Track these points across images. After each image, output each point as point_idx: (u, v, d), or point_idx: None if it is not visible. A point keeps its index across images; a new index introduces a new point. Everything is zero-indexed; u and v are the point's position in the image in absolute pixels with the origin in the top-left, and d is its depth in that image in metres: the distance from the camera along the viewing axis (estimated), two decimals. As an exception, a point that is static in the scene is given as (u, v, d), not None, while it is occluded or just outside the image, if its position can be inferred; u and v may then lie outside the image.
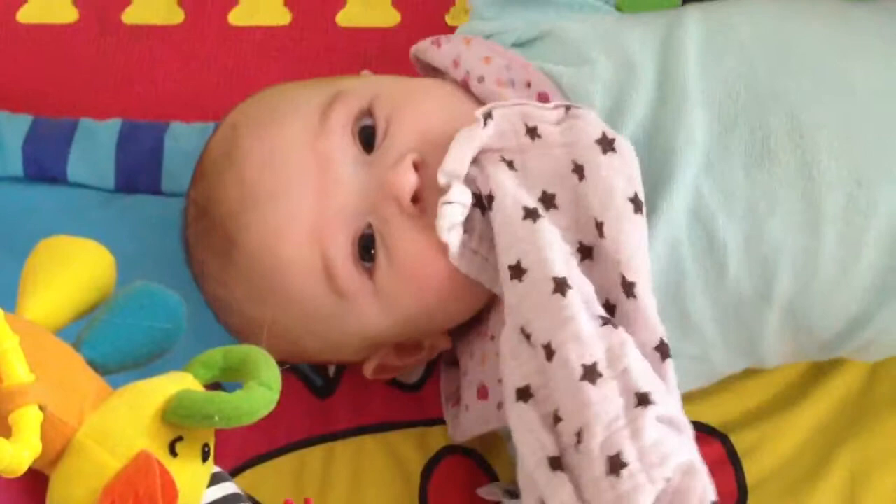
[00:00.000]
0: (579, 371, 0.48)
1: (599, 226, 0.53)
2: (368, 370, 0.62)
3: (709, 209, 0.56)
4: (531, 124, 0.54)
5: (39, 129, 0.73)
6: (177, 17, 0.79)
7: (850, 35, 0.59)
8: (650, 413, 0.48)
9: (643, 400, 0.48)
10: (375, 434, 0.66)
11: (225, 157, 0.60)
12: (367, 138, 0.58)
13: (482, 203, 0.54)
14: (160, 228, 0.70)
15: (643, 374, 0.49)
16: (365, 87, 0.59)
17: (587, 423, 0.48)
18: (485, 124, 0.54)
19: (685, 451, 0.48)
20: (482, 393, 0.58)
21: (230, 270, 0.59)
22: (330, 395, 0.67)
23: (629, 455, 0.47)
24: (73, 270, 0.50)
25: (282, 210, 0.57)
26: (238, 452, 0.65)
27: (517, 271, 0.52)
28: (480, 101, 0.60)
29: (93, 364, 0.48)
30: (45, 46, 0.78)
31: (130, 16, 0.79)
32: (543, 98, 0.59)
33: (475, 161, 0.54)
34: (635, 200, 0.53)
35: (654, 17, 0.62)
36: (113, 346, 0.49)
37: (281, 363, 0.65)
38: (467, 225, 0.55)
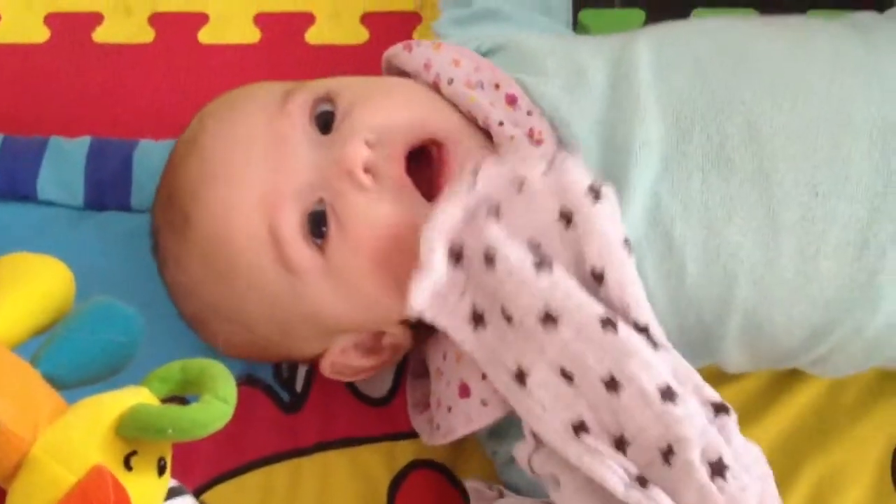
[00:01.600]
0: (657, 395, 0.51)
1: (598, 274, 0.53)
2: (326, 366, 0.62)
3: (667, 214, 0.56)
4: (519, 178, 0.55)
5: (9, 148, 0.73)
6: (147, 35, 0.79)
7: (807, 47, 0.60)
8: (732, 418, 0.51)
9: (720, 408, 0.51)
10: (342, 449, 0.67)
11: (189, 143, 0.61)
12: (324, 123, 0.59)
13: (455, 255, 0.55)
14: (129, 245, 0.70)
15: (707, 386, 0.52)
16: (328, 80, 0.61)
17: (679, 438, 0.50)
18: (474, 182, 0.54)
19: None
20: (464, 391, 0.58)
21: (186, 249, 0.60)
22: (297, 410, 0.68)
23: (728, 458, 0.50)
24: (30, 287, 0.50)
25: (234, 185, 0.58)
26: (204, 469, 0.65)
27: (548, 320, 0.52)
28: (450, 102, 0.61)
29: (50, 379, 0.48)
30: (16, 65, 0.79)
31: (101, 34, 0.80)
32: (511, 99, 0.59)
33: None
34: (626, 242, 0.54)
35: (609, 36, 0.64)
36: (70, 360, 0.49)
37: (245, 379, 0.66)
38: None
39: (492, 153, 0.58)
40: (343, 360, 0.62)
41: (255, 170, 0.57)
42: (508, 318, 0.54)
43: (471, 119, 0.60)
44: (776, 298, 0.57)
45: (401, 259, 0.56)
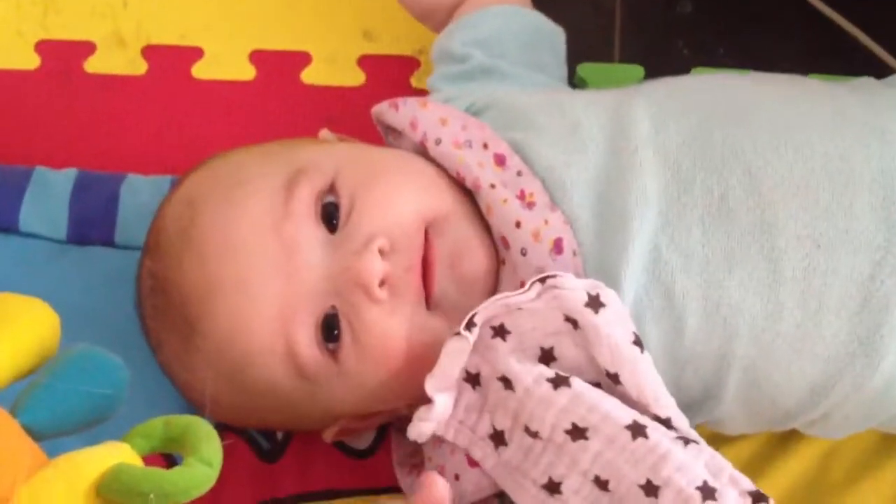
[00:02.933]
0: (698, 495, 0.50)
1: (613, 375, 0.53)
2: (328, 436, 0.62)
3: (667, 268, 0.56)
4: (514, 307, 0.54)
5: (-7, 177, 0.72)
6: (140, 67, 0.78)
7: (807, 101, 0.60)
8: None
9: (758, 497, 0.51)
10: (321, 502, 0.65)
11: (182, 235, 0.59)
12: (329, 216, 0.57)
13: (472, 379, 0.55)
14: (112, 281, 0.69)
15: (741, 475, 0.52)
16: (327, 161, 0.59)
17: None
18: (470, 332, 0.53)
19: None
20: (472, 461, 0.57)
21: (192, 354, 0.59)
22: (277, 459, 0.66)
23: None
24: (14, 331, 0.49)
25: (247, 296, 0.56)
26: (178, 518, 0.63)
27: (577, 433, 0.52)
28: (438, 165, 0.60)
29: (29, 430, 0.47)
30: (3, 92, 0.77)
31: (93, 65, 0.78)
32: (500, 159, 0.59)
33: None
34: (637, 342, 0.53)
35: (604, 90, 0.64)
36: (51, 411, 0.48)
37: (227, 427, 0.65)
38: (454, 398, 0.55)
39: (479, 223, 0.58)
40: (343, 426, 0.61)
41: (267, 281, 0.56)
42: (534, 435, 0.53)
43: (458, 180, 0.59)
44: (776, 353, 0.56)
45: (414, 365, 0.55)
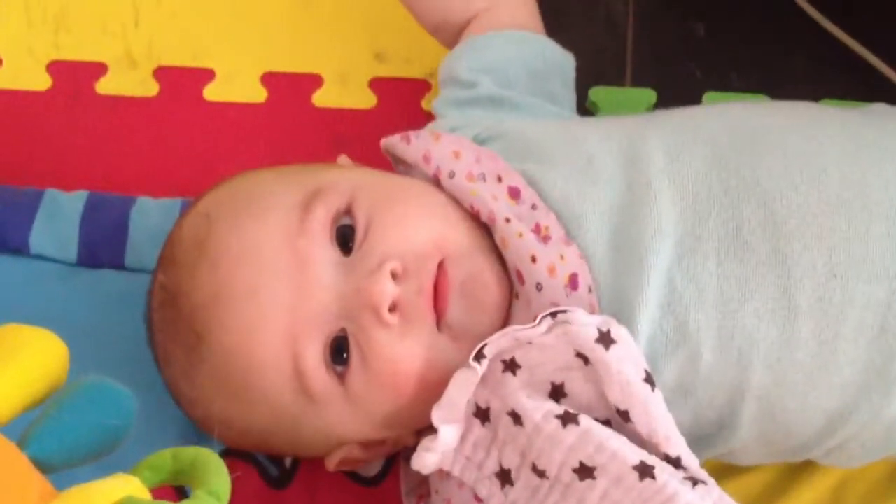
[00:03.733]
0: None
1: (623, 412, 0.53)
2: (332, 464, 0.61)
3: (682, 300, 0.55)
4: (524, 341, 0.54)
5: (3, 198, 0.72)
6: (151, 89, 0.78)
7: (820, 129, 0.59)
8: None
9: None
10: (329, 529, 0.65)
11: (197, 247, 0.59)
12: (344, 239, 0.57)
13: (482, 414, 0.54)
14: (121, 304, 0.69)
15: None
16: (344, 184, 0.59)
17: None
18: (479, 364, 0.53)
19: None
20: (479, 497, 0.57)
21: (197, 366, 0.58)
22: (285, 486, 0.66)
23: None
24: (22, 362, 0.48)
25: (256, 310, 0.56)
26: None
27: (584, 472, 0.52)
28: (452, 198, 0.59)
29: (38, 463, 0.46)
30: (15, 113, 0.77)
31: (104, 86, 0.78)
32: (514, 192, 0.58)
33: None
34: (649, 380, 0.53)
35: (615, 118, 0.63)
36: (60, 443, 0.47)
37: (236, 453, 0.65)
38: (462, 433, 0.55)
39: (494, 256, 0.57)
40: (348, 455, 0.61)
41: (278, 296, 0.55)
42: (541, 473, 0.53)
43: (473, 214, 0.59)
44: (791, 383, 0.56)
45: (423, 391, 0.55)
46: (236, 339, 0.56)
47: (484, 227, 0.59)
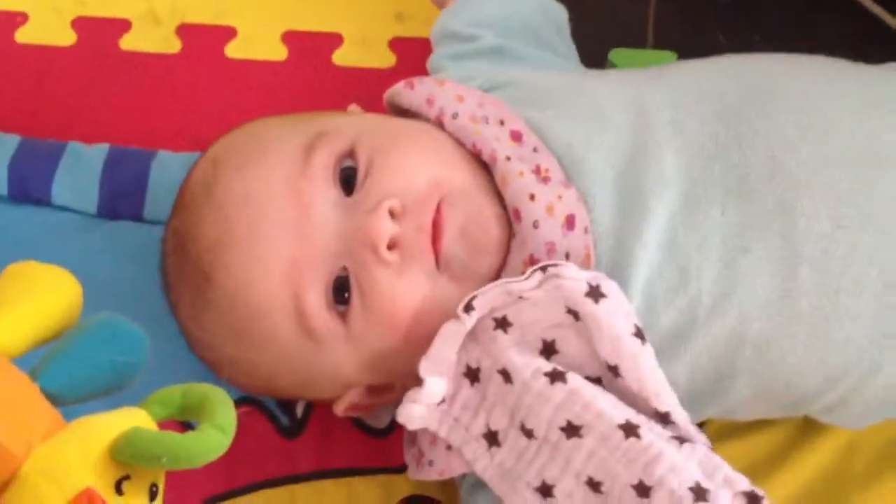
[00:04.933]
0: (690, 496, 0.50)
1: (613, 368, 0.53)
2: (339, 409, 0.62)
3: (683, 246, 0.55)
4: (515, 295, 0.54)
5: (27, 150, 0.73)
6: (174, 46, 0.79)
7: (834, 83, 0.59)
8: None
9: (753, 498, 0.50)
10: (339, 479, 0.66)
11: (204, 191, 0.59)
12: (347, 180, 0.57)
13: (472, 374, 0.55)
14: (140, 255, 0.69)
15: (737, 475, 0.51)
16: (348, 128, 0.59)
17: None
18: (468, 315, 0.53)
19: None
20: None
21: (204, 307, 0.59)
22: (296, 436, 0.67)
23: None
24: (37, 297, 0.49)
25: (258, 250, 0.57)
26: (197, 490, 0.64)
27: (571, 430, 0.52)
28: (455, 138, 0.60)
29: (49, 395, 0.48)
30: (40, 67, 0.78)
31: (128, 42, 0.79)
32: (516, 136, 0.59)
33: (470, 332, 0.54)
34: (639, 334, 0.53)
35: (624, 71, 0.63)
36: (71, 378, 0.48)
37: (246, 401, 0.66)
38: (451, 393, 0.55)
39: (494, 196, 0.57)
40: (355, 401, 0.61)
41: (280, 236, 0.56)
42: (529, 433, 0.53)
43: (475, 153, 0.59)
44: (792, 335, 0.55)
45: (423, 330, 0.55)
46: (240, 281, 0.57)
47: (485, 168, 0.59)
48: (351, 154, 0.58)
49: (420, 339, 0.55)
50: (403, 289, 0.56)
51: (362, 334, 0.57)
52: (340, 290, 0.56)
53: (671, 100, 0.58)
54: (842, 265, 0.55)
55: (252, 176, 0.58)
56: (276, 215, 0.56)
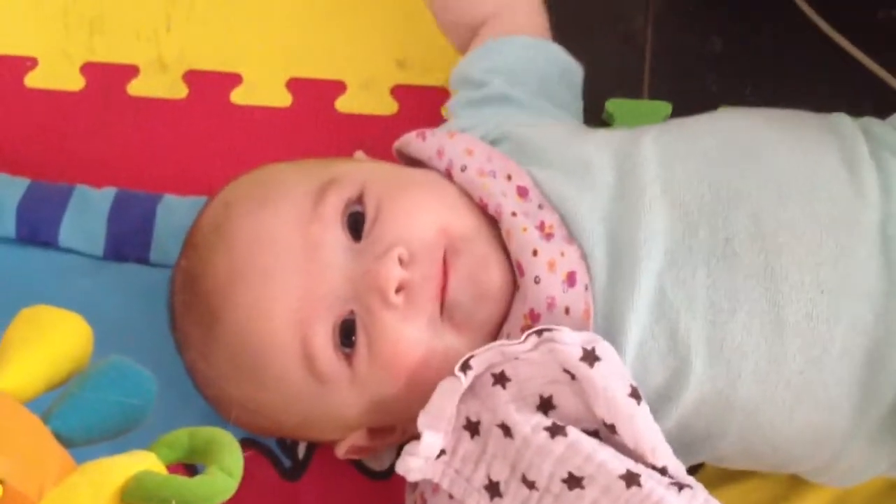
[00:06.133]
0: None
1: (610, 426, 0.54)
2: (341, 451, 0.63)
3: (672, 308, 0.56)
4: (510, 357, 0.55)
5: (35, 193, 0.74)
6: (181, 92, 0.81)
7: (815, 143, 0.60)
8: None
9: None
10: (340, 521, 0.66)
11: (215, 232, 0.61)
12: (354, 225, 0.59)
13: (472, 427, 0.56)
14: (146, 298, 0.71)
15: None
16: (357, 174, 0.61)
17: None
18: (465, 374, 0.55)
19: None
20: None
21: (212, 345, 0.60)
22: (298, 478, 0.67)
23: None
24: (49, 342, 0.50)
25: (268, 290, 0.58)
26: (200, 531, 0.64)
27: (573, 482, 0.53)
28: (463, 190, 0.61)
29: (60, 437, 0.48)
30: (49, 112, 0.80)
31: (136, 88, 0.81)
32: (522, 191, 0.60)
33: (469, 386, 0.55)
34: (634, 394, 0.54)
35: (617, 130, 0.64)
36: (81, 420, 0.49)
37: (249, 443, 0.66)
38: (452, 446, 0.56)
39: (499, 247, 0.59)
40: (357, 443, 0.62)
41: (290, 277, 0.57)
42: (531, 485, 0.54)
43: (482, 206, 0.61)
44: (779, 398, 0.56)
45: (424, 376, 0.56)
46: (248, 320, 0.58)
47: (491, 221, 0.60)
48: (359, 200, 0.59)
49: (421, 385, 0.57)
50: (408, 334, 0.57)
51: (366, 377, 0.58)
52: (347, 333, 0.58)
53: (656, 158, 0.59)
54: (826, 330, 0.55)
55: (264, 218, 0.59)
56: (286, 257, 0.58)
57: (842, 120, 0.63)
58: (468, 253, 0.58)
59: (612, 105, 0.78)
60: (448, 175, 0.62)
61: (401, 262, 0.57)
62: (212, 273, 0.60)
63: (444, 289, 0.57)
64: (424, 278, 0.57)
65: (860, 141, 0.60)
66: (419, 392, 0.57)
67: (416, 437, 0.62)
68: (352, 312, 0.57)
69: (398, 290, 0.56)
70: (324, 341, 0.57)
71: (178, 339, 0.64)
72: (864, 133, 0.61)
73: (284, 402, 0.60)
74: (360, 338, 0.57)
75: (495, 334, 0.59)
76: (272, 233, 0.58)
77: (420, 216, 0.58)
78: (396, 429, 0.62)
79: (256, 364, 0.59)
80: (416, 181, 0.62)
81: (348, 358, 0.58)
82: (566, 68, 0.71)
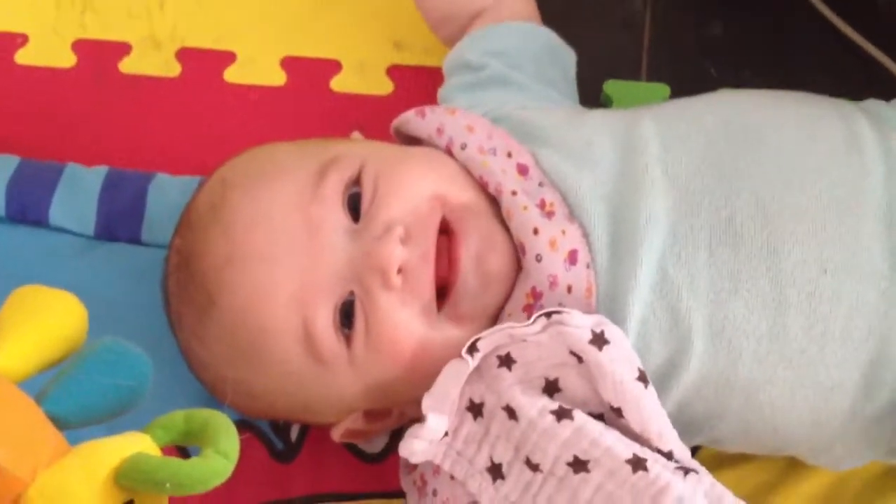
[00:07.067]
0: None
1: (616, 409, 0.54)
2: (337, 434, 0.62)
3: (673, 287, 0.56)
4: (518, 338, 0.55)
5: (25, 171, 0.73)
6: (173, 70, 0.80)
7: (819, 122, 0.60)
8: None
9: None
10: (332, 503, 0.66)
11: (211, 211, 0.60)
12: (354, 206, 0.58)
13: (475, 409, 0.55)
14: (137, 278, 0.70)
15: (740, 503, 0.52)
16: (356, 154, 0.60)
17: None
18: (471, 356, 0.54)
19: None
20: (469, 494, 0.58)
21: (208, 327, 0.60)
22: (290, 460, 0.67)
23: None
24: (43, 322, 0.50)
25: (268, 272, 0.57)
26: (193, 513, 0.64)
27: (579, 465, 0.52)
28: (464, 168, 0.61)
29: (54, 419, 0.48)
30: (40, 89, 0.79)
31: (128, 65, 0.80)
32: (522, 169, 0.59)
33: (475, 368, 0.55)
34: (642, 378, 0.53)
35: (617, 111, 0.64)
36: (76, 401, 0.49)
37: (242, 424, 0.66)
38: (454, 427, 0.56)
39: (501, 226, 0.58)
40: (353, 426, 0.62)
41: (290, 259, 0.57)
42: (534, 467, 0.53)
43: (482, 185, 0.60)
44: (779, 379, 0.56)
45: (420, 362, 0.56)
46: (247, 301, 0.57)
47: (492, 201, 0.60)
48: (358, 179, 0.58)
49: (420, 370, 0.56)
50: (405, 318, 0.56)
51: (364, 359, 0.57)
52: (348, 315, 0.57)
53: (658, 139, 0.59)
54: (827, 310, 0.55)
55: (262, 198, 0.58)
56: (286, 238, 0.57)
57: (843, 102, 0.62)
58: (476, 234, 0.58)
59: (610, 87, 0.77)
60: (448, 152, 0.62)
61: (401, 241, 0.56)
62: (208, 254, 0.59)
63: (454, 270, 0.56)
64: (421, 256, 0.56)
65: (863, 122, 0.60)
66: (417, 376, 0.56)
67: (413, 420, 0.62)
68: (352, 293, 0.57)
69: (399, 272, 0.56)
70: (325, 323, 0.57)
71: (173, 319, 0.63)
72: (867, 114, 0.61)
73: (282, 383, 0.59)
74: (359, 319, 0.57)
75: (496, 318, 0.58)
76: (271, 213, 0.58)
77: (413, 187, 0.58)
78: (393, 412, 0.62)
79: (255, 346, 0.58)
80: (413, 155, 0.61)
81: (347, 339, 0.57)
82: (559, 52, 0.71)
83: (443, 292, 0.57)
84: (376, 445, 0.67)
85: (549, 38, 0.71)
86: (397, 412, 0.62)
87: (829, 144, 0.58)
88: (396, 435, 0.67)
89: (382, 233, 0.56)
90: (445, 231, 0.58)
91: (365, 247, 0.57)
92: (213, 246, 0.59)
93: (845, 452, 0.60)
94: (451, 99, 0.68)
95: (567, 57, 0.71)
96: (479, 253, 0.57)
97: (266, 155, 0.62)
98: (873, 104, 0.64)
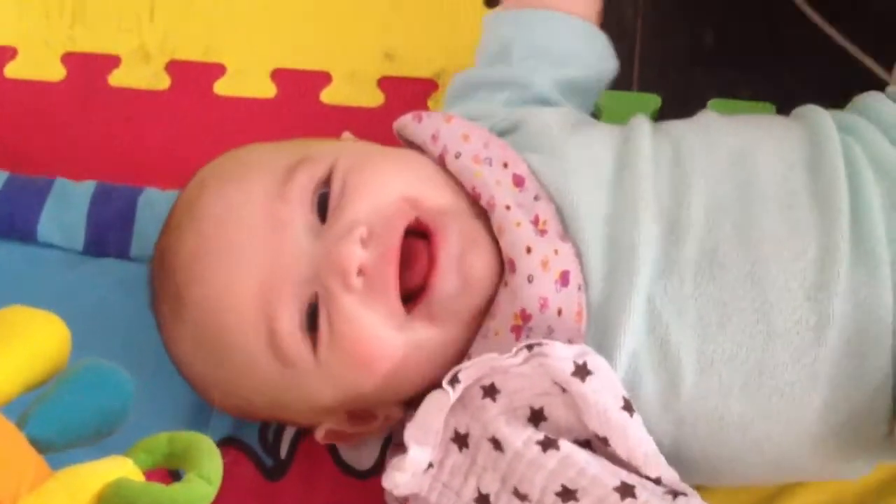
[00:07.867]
0: None
1: (602, 438, 0.53)
2: (319, 435, 0.62)
3: (662, 320, 0.55)
4: (501, 371, 0.54)
5: (13, 186, 0.73)
6: (163, 82, 0.79)
7: (798, 151, 0.59)
8: None
9: None
10: (323, 521, 0.66)
11: (187, 209, 0.60)
12: (323, 206, 0.57)
13: (460, 440, 0.55)
14: (126, 293, 0.70)
15: None
16: (329, 153, 0.59)
17: None
18: (453, 388, 0.53)
19: None
20: None
21: (179, 326, 0.59)
22: (280, 477, 0.67)
23: None
24: (24, 343, 0.49)
25: (233, 268, 0.57)
26: (181, 531, 0.64)
27: (567, 495, 0.52)
28: (454, 177, 0.60)
29: (36, 442, 0.47)
30: (29, 102, 0.79)
31: (117, 78, 0.80)
32: (518, 181, 0.59)
33: (459, 398, 0.54)
34: (627, 406, 0.53)
35: (618, 126, 0.63)
36: (58, 424, 0.48)
37: (230, 442, 0.66)
38: (439, 458, 0.55)
39: (485, 230, 0.57)
40: (336, 427, 0.61)
41: (253, 256, 0.56)
42: (523, 497, 0.53)
43: (474, 197, 0.59)
44: (773, 411, 0.55)
45: (385, 363, 0.55)
46: (211, 297, 0.57)
47: (483, 213, 0.59)
48: (328, 180, 0.58)
49: (389, 370, 0.55)
50: (367, 318, 0.55)
51: (330, 363, 0.56)
52: (313, 318, 0.56)
53: (647, 163, 0.58)
54: (814, 336, 0.54)
55: (231, 195, 0.58)
56: (250, 235, 0.56)
57: (818, 118, 0.61)
58: (455, 231, 0.56)
59: (601, 97, 0.77)
60: (441, 162, 0.60)
61: (362, 242, 0.55)
62: (180, 250, 0.59)
63: (434, 272, 0.55)
64: (381, 256, 0.55)
65: (834, 141, 0.58)
66: (390, 380, 0.56)
67: (401, 423, 0.61)
68: (316, 295, 0.56)
69: (359, 273, 0.55)
70: (289, 324, 0.56)
71: (157, 320, 0.63)
72: (840, 130, 0.60)
73: (253, 382, 0.58)
74: (322, 323, 0.56)
75: (475, 326, 0.57)
76: (238, 210, 0.57)
77: (382, 187, 0.57)
78: (378, 415, 0.60)
79: (221, 345, 0.57)
80: (387, 155, 0.60)
81: (313, 342, 0.56)
82: (603, 70, 0.69)
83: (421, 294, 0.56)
84: (366, 461, 0.67)
85: (604, 46, 0.70)
86: (382, 415, 0.60)
87: (801, 170, 0.57)
88: (387, 450, 0.67)
89: (345, 233, 0.55)
90: (425, 235, 0.57)
91: (326, 247, 0.56)
92: (184, 242, 0.59)
93: (849, 471, 0.59)
94: (452, 105, 0.67)
95: (607, 72, 0.70)
96: (461, 253, 0.56)
97: (244, 154, 0.62)
98: (847, 117, 0.62)
